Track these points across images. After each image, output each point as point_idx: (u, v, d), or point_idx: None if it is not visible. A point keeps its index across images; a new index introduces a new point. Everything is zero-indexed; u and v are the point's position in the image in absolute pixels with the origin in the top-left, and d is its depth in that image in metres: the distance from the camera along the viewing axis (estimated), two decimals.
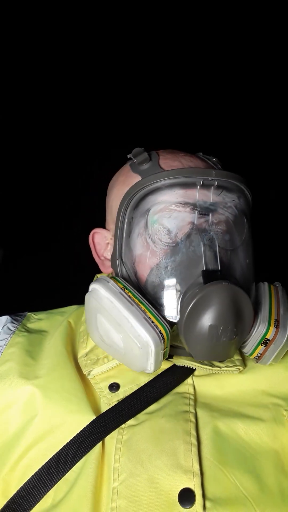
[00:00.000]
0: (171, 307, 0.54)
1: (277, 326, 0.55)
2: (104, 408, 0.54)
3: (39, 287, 1.29)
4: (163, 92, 1.53)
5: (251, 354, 0.57)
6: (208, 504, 0.44)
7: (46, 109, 1.49)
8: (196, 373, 0.58)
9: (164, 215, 0.56)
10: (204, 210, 0.57)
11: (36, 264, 1.43)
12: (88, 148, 1.54)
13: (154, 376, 0.57)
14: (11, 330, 0.66)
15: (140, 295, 0.54)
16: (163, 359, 0.52)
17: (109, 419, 0.51)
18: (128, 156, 0.65)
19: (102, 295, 0.53)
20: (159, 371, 0.57)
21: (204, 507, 0.43)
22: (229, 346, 0.52)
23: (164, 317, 0.53)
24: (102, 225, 0.69)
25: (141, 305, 0.52)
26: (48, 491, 0.48)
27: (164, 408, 0.53)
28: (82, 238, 0.72)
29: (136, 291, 0.54)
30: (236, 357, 0.60)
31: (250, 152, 1.52)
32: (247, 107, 1.53)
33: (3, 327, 0.66)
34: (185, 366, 0.57)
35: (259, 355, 0.56)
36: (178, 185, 0.56)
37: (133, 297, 0.52)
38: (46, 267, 1.41)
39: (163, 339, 0.50)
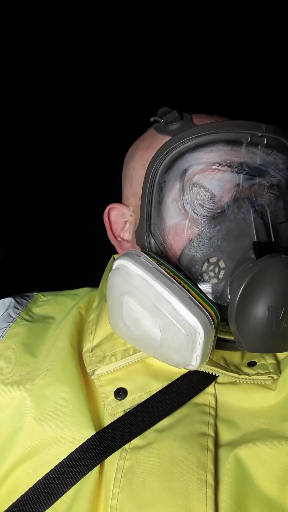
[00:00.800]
0: (215, 287, 0.44)
1: None
2: (107, 419, 0.45)
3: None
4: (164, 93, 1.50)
5: None
6: None
7: (50, 112, 1.47)
8: (219, 380, 0.48)
9: (205, 176, 0.47)
10: (254, 171, 0.47)
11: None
12: (90, 151, 1.51)
13: (168, 382, 0.46)
14: (12, 317, 0.57)
15: (179, 272, 0.44)
16: (211, 351, 0.42)
17: (112, 437, 0.42)
18: (152, 119, 0.55)
19: (132, 272, 0.42)
20: (174, 376, 0.47)
21: None
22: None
23: (211, 300, 0.43)
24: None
25: (183, 284, 0.42)
26: None
27: (178, 426, 0.43)
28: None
29: (174, 268, 0.44)
30: (270, 360, 0.49)
31: None
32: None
33: (3, 312, 0.58)
34: (206, 371, 0.46)
35: None
36: (222, 141, 0.47)
37: (172, 274, 0.42)
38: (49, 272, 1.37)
39: (214, 324, 0.40)
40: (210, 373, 0.47)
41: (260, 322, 0.40)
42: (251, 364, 0.48)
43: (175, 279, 0.41)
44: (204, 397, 0.46)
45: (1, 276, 1.33)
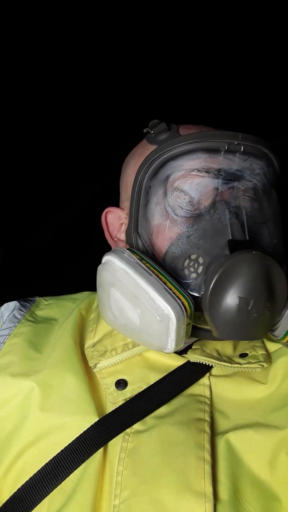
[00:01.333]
0: (195, 280, 0.49)
1: None
2: (109, 407, 0.49)
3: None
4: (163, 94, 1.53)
5: (282, 338, 0.51)
6: None
7: (50, 114, 1.49)
8: (213, 372, 0.52)
9: (185, 181, 0.51)
10: (230, 176, 0.51)
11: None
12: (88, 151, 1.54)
13: (166, 373, 0.50)
14: (17, 318, 0.61)
15: (159, 266, 0.48)
16: (186, 337, 0.46)
17: (114, 422, 0.46)
18: (144, 130, 0.60)
19: (117, 266, 0.47)
20: (171, 368, 0.51)
21: None
22: (260, 323, 0.46)
23: (186, 291, 0.47)
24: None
25: (160, 276, 0.46)
26: (42, 499, 0.43)
27: (176, 413, 0.47)
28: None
29: (154, 262, 0.49)
30: (260, 351, 0.53)
31: None
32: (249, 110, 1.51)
33: (9, 314, 0.62)
34: (201, 362, 0.51)
35: None
36: (201, 149, 0.51)
37: (151, 268, 0.47)
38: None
39: (186, 311, 0.44)
40: (204, 363, 0.51)
41: (231, 311, 0.44)
42: (243, 356, 0.53)
43: (153, 272, 0.46)
44: (200, 388, 0.49)
45: (1, 276, 1.36)
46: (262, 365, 0.50)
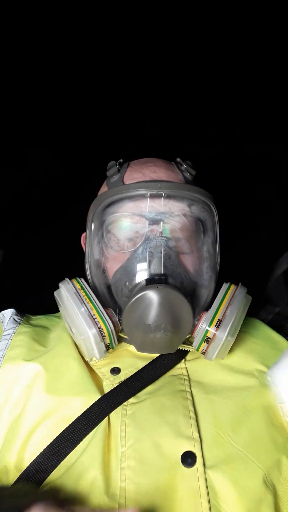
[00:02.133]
0: (118, 306, 0.64)
1: (218, 326, 0.60)
2: (107, 389, 0.60)
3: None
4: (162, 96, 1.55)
5: (197, 349, 0.64)
6: (208, 463, 0.51)
7: (49, 103, 1.51)
8: (187, 357, 0.67)
9: (115, 226, 0.65)
10: (151, 220, 0.63)
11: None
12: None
13: (151, 360, 0.65)
14: (17, 321, 0.72)
15: (92, 295, 0.63)
16: (108, 349, 0.62)
17: (114, 397, 0.58)
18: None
19: (62, 294, 0.64)
20: (154, 356, 0.65)
21: (204, 466, 0.50)
22: (165, 342, 0.60)
23: (112, 315, 0.63)
24: None
25: (90, 304, 0.62)
26: (59, 463, 0.52)
27: (163, 388, 0.60)
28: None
29: (90, 291, 0.64)
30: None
31: (251, 147, 1.52)
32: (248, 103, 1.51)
33: (9, 318, 0.73)
34: (179, 349, 0.65)
35: (203, 350, 0.63)
36: (127, 198, 0.64)
37: (85, 297, 0.63)
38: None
39: (103, 334, 0.60)
40: (181, 349, 0.66)
41: (138, 332, 0.59)
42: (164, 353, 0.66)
43: (86, 301, 0.62)
44: (179, 370, 0.64)
45: (1, 276, 1.47)
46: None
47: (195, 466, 0.50)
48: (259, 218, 1.42)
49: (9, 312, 0.75)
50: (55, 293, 0.66)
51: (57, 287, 0.66)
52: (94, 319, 0.60)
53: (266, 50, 1.46)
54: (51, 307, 0.81)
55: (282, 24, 1.40)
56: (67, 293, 0.63)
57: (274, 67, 1.48)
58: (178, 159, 0.73)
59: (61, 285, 0.65)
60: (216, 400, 0.59)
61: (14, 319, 0.73)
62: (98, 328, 0.59)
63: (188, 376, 0.63)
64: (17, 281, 1.51)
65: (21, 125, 1.50)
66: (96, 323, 0.60)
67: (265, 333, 0.74)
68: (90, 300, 0.62)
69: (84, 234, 0.77)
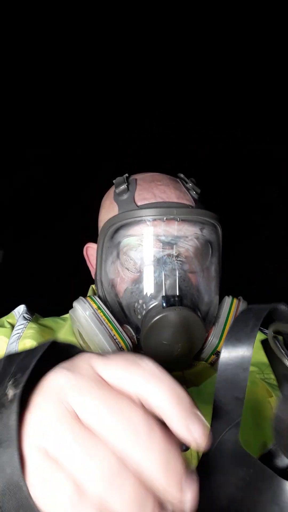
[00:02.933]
0: (136, 324, 0.66)
1: None
2: None
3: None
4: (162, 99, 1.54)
5: (206, 360, 0.68)
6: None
7: (49, 105, 1.50)
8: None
9: (131, 248, 0.67)
10: (166, 244, 0.66)
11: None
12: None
13: None
14: (26, 319, 0.74)
15: (110, 314, 0.65)
16: None
17: None
18: (114, 181, 0.74)
19: (79, 313, 0.65)
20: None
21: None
22: (183, 358, 0.63)
23: (129, 332, 0.65)
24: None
25: (109, 324, 0.64)
26: None
27: None
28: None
29: (107, 311, 0.66)
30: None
31: (251, 149, 1.53)
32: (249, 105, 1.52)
33: (20, 314, 0.75)
34: None
35: (213, 361, 0.67)
36: (143, 221, 0.65)
37: (103, 317, 0.64)
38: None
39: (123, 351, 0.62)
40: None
41: (157, 352, 0.62)
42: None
43: (104, 321, 0.64)
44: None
45: (1, 276, 1.48)
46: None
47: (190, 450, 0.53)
48: (259, 219, 1.44)
49: (21, 308, 0.77)
50: (70, 312, 0.68)
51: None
52: (114, 339, 0.62)
53: (266, 50, 1.47)
54: (52, 307, 0.85)
55: (282, 24, 1.41)
56: (84, 313, 0.64)
57: (274, 67, 1.49)
58: (182, 175, 0.75)
59: (76, 305, 0.66)
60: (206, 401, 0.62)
61: (24, 316, 0.75)
62: (119, 347, 0.61)
63: (185, 380, 0.67)
64: (17, 281, 1.53)
65: (21, 125, 1.50)
66: (117, 343, 0.62)
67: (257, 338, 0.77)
68: (108, 320, 0.64)
69: (87, 245, 0.79)
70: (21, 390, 0.25)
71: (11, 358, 0.29)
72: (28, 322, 0.73)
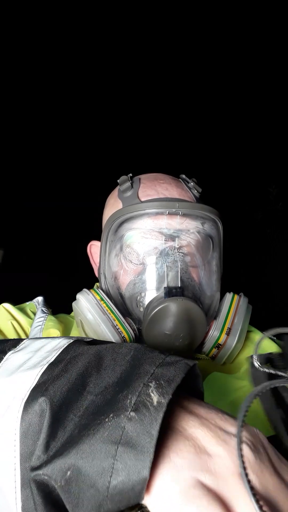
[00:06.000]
0: (138, 316, 0.67)
1: (228, 333, 0.66)
2: None
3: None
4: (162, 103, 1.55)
5: (207, 354, 0.68)
6: None
7: (56, 116, 1.53)
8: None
9: (134, 241, 0.68)
10: (168, 237, 0.67)
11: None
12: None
13: None
14: (45, 312, 0.76)
15: (113, 306, 0.66)
16: None
17: None
18: (118, 180, 0.76)
19: (82, 305, 0.66)
20: None
21: None
22: (184, 348, 0.63)
23: (131, 324, 0.66)
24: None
25: (111, 315, 0.64)
26: None
27: None
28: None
29: (110, 302, 0.67)
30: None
31: (250, 150, 1.54)
32: (247, 110, 1.54)
33: (39, 307, 0.77)
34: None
35: (214, 355, 0.68)
36: (146, 215, 0.67)
37: (106, 308, 0.65)
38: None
39: (126, 341, 0.63)
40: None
41: (159, 342, 0.62)
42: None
43: (107, 312, 0.64)
44: None
45: (1, 277, 1.50)
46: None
47: None
48: (260, 218, 1.45)
49: (40, 299, 0.80)
50: (74, 303, 0.69)
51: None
52: (117, 329, 0.63)
53: (266, 51, 1.49)
54: (51, 307, 0.85)
55: (282, 24, 1.43)
56: (88, 304, 0.65)
57: (274, 67, 1.52)
58: (184, 176, 0.77)
59: (80, 296, 0.67)
60: (208, 398, 0.62)
61: (42, 310, 0.76)
62: (122, 337, 0.62)
63: None
64: (17, 281, 1.54)
65: (22, 125, 1.50)
66: (120, 333, 0.62)
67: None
68: (111, 311, 0.65)
69: (90, 243, 0.80)
70: (167, 402, 0.26)
71: None
72: (48, 315, 0.74)
